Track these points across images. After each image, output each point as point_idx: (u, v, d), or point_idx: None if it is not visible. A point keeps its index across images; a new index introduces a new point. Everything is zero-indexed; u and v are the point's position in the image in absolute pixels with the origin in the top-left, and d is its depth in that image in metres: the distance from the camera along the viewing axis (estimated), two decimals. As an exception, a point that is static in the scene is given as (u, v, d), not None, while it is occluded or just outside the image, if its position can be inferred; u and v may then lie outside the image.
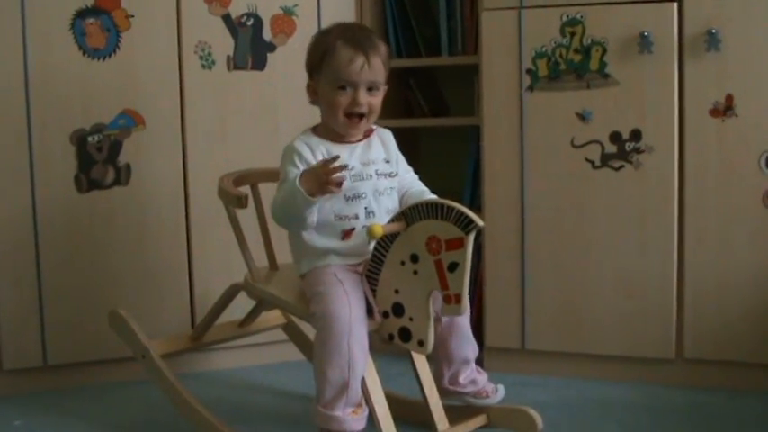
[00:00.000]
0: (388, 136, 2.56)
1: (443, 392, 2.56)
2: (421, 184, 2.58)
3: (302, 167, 2.39)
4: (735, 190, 2.90)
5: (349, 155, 2.45)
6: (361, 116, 2.42)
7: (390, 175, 2.50)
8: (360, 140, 2.50)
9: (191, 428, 2.65)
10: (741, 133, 2.88)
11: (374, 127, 2.56)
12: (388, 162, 2.51)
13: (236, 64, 3.26)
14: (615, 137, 3.01)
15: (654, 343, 3.03)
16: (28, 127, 3.05)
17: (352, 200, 2.41)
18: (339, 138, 2.47)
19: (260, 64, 3.30)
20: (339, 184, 2.27)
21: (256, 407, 2.99)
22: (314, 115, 2.55)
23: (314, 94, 2.49)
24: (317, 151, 2.43)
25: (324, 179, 2.26)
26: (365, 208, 2.43)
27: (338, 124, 2.44)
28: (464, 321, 2.51)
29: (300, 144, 2.44)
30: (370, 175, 2.45)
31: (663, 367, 3.06)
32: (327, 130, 2.48)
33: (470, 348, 2.55)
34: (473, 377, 2.57)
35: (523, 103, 3.10)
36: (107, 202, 3.17)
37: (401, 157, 2.57)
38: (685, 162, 2.95)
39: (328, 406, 2.29)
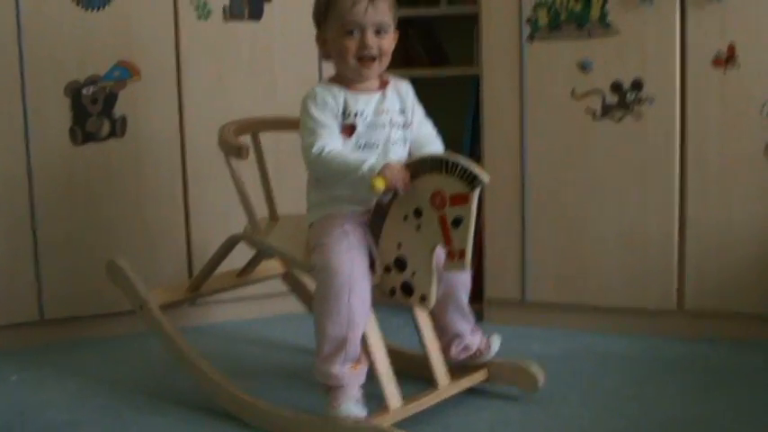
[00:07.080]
0: (406, 87, 2.52)
1: None
2: (437, 140, 2.54)
3: (327, 113, 2.35)
4: (737, 141, 2.88)
5: (365, 104, 2.41)
6: (373, 59, 2.38)
7: (404, 126, 2.46)
8: (377, 90, 2.45)
9: (189, 381, 2.63)
10: (743, 84, 2.85)
11: (390, 78, 2.51)
12: (402, 112, 2.47)
13: (232, 14, 3.22)
14: (616, 87, 2.98)
15: (655, 294, 3.03)
16: (21, 79, 3.02)
17: (363, 148, 2.37)
18: (356, 86, 2.42)
19: (257, 13, 3.25)
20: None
21: (256, 360, 2.99)
22: (311, 65, 2.50)
23: (324, 44, 2.45)
24: (339, 99, 2.38)
25: (400, 184, 2.23)
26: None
27: (350, 69, 2.39)
28: (461, 295, 2.50)
29: (323, 91, 2.39)
30: (384, 125, 2.41)
31: (664, 319, 3.05)
32: (343, 80, 2.44)
33: (465, 322, 2.54)
34: (465, 344, 2.56)
35: (523, 54, 3.07)
36: (103, 155, 3.14)
37: (418, 108, 2.52)
38: (687, 112, 2.92)
39: (327, 361, 2.28)
